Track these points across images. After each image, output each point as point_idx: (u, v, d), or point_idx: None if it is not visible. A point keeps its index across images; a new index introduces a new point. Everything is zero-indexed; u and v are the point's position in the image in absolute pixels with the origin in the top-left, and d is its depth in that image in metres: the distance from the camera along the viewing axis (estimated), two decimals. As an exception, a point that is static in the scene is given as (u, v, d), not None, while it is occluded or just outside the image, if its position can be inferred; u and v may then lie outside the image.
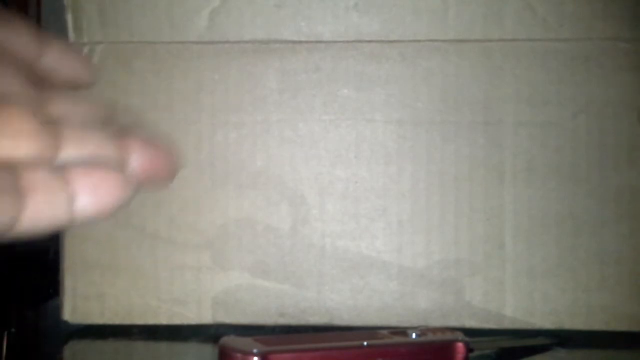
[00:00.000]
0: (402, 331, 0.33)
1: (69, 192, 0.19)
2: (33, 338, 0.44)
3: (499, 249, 0.41)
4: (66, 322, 0.42)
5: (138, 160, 0.20)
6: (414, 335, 0.33)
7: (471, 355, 0.33)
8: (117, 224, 0.42)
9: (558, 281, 0.41)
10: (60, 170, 0.19)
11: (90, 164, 0.19)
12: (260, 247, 0.41)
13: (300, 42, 0.42)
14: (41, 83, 0.21)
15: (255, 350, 0.30)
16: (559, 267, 0.41)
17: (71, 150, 0.20)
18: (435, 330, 0.34)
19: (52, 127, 0.19)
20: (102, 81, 0.41)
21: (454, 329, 0.34)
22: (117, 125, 0.21)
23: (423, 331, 0.33)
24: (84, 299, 0.42)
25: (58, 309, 0.43)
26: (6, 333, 0.45)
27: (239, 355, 0.30)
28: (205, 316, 0.41)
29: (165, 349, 0.41)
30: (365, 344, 0.32)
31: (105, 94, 0.42)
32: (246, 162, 0.41)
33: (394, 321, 0.41)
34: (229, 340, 0.31)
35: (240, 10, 0.42)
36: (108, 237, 0.42)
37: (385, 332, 0.33)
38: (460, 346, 0.33)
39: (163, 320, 0.42)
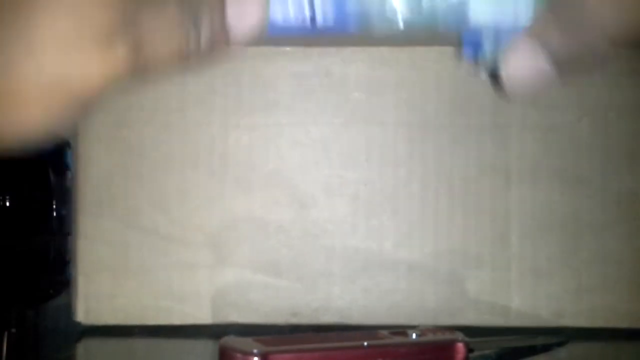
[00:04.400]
0: (402, 331, 0.34)
1: None
2: (46, 338, 0.44)
3: (504, 249, 0.42)
4: (79, 323, 0.42)
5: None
6: (414, 335, 0.33)
7: (471, 355, 0.33)
8: (129, 226, 0.42)
9: (561, 280, 0.42)
10: None
11: None
12: (272, 247, 0.42)
13: (312, 46, 0.42)
14: None
15: (255, 350, 0.30)
16: (563, 267, 0.42)
17: None
18: (435, 330, 0.34)
19: None
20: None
21: (455, 329, 0.34)
22: None
23: (423, 331, 0.34)
24: (96, 300, 0.42)
25: (67, 310, 0.43)
26: (6, 333, 0.45)
27: (238, 355, 0.30)
28: (218, 316, 0.42)
29: (179, 348, 0.41)
30: (366, 344, 0.32)
31: (118, 98, 0.42)
32: (258, 165, 0.42)
33: (403, 320, 0.41)
34: (229, 340, 0.31)
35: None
36: (120, 239, 0.42)
37: (385, 332, 0.34)
38: (460, 346, 0.33)
39: (175, 320, 0.42)
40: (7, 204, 0.69)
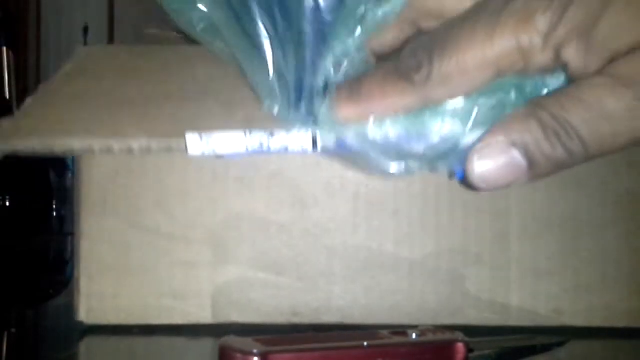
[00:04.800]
0: (402, 331, 0.33)
1: None
2: (46, 338, 0.45)
3: (504, 249, 0.42)
4: (81, 322, 0.42)
5: None
6: (414, 335, 0.33)
7: (471, 355, 0.33)
8: (131, 226, 0.42)
9: (561, 280, 0.42)
10: None
11: None
12: (273, 247, 0.42)
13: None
14: None
15: (255, 350, 0.29)
16: (562, 267, 0.42)
17: None
18: (435, 330, 0.34)
19: None
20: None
21: (455, 328, 0.34)
22: None
23: (423, 331, 0.33)
24: (99, 299, 0.42)
25: (67, 309, 0.44)
26: (6, 333, 0.45)
27: (238, 355, 0.30)
28: (219, 315, 0.42)
29: (180, 347, 0.41)
30: (365, 344, 0.32)
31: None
32: (260, 165, 0.42)
33: (404, 320, 0.42)
34: (229, 340, 0.31)
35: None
36: (122, 238, 0.42)
37: (385, 332, 0.33)
38: (460, 346, 0.33)
39: (177, 319, 0.42)
40: (7, 204, 0.69)
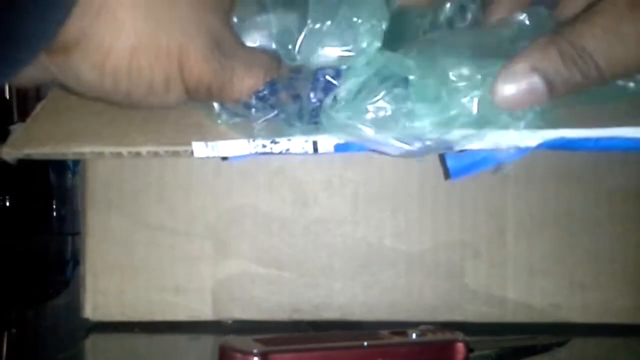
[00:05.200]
0: (402, 331, 0.34)
1: None
2: (46, 338, 0.45)
3: (501, 246, 0.43)
4: (87, 320, 0.43)
5: None
6: (414, 335, 0.33)
7: (471, 355, 0.33)
8: (136, 224, 0.43)
9: (556, 277, 0.43)
10: None
11: None
12: (274, 244, 0.43)
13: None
14: None
15: (255, 350, 0.30)
16: (557, 264, 0.43)
17: None
18: (435, 330, 0.34)
19: None
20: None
21: (453, 324, 0.35)
22: None
23: (423, 331, 0.34)
24: (104, 296, 0.43)
25: (67, 309, 0.44)
26: (6, 333, 0.46)
27: (238, 355, 0.30)
28: (221, 312, 0.43)
29: (182, 343, 0.42)
30: (366, 344, 0.32)
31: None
32: (262, 164, 0.43)
33: (402, 316, 0.42)
34: (229, 340, 0.31)
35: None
36: (126, 235, 0.43)
37: (385, 332, 0.34)
38: (460, 346, 0.33)
39: (181, 316, 0.43)
40: (7, 204, 0.69)
